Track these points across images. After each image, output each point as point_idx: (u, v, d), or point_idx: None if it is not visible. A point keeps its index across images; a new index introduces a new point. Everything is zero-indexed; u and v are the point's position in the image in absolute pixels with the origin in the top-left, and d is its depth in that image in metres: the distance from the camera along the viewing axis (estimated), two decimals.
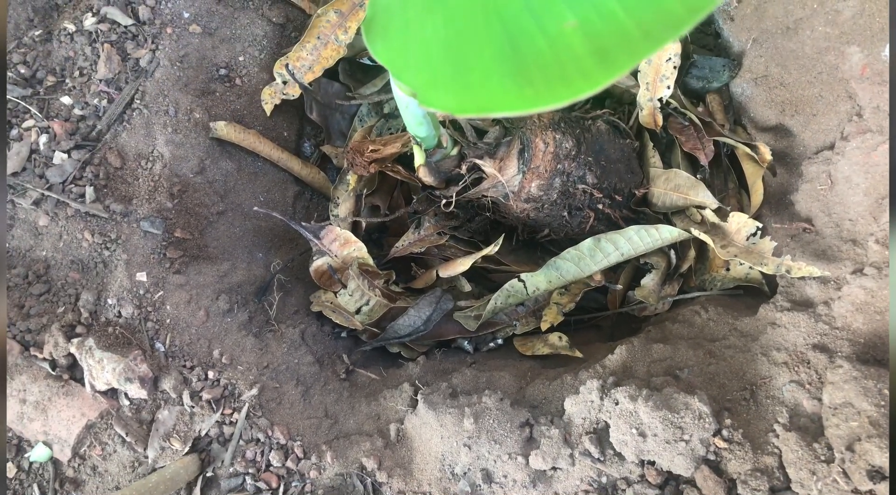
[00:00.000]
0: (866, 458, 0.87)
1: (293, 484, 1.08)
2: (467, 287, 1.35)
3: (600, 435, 1.01)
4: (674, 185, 1.30)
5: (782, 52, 1.27)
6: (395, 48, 0.58)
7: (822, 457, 0.92)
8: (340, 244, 1.25)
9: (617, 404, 1.00)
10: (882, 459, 0.86)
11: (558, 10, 0.45)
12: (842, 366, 0.96)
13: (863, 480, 0.87)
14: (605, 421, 1.01)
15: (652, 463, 0.99)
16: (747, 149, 1.27)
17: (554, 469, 1.01)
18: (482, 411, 1.05)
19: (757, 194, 1.27)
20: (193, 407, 1.09)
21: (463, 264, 1.29)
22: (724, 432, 0.98)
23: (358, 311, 1.29)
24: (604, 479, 1.00)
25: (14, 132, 1.17)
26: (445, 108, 0.50)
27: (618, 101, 1.43)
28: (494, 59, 0.47)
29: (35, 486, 1.08)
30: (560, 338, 1.25)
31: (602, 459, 0.99)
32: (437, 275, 1.33)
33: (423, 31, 0.54)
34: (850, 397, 0.93)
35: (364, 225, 1.33)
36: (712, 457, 0.97)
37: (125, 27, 1.25)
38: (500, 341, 1.33)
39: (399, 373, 1.24)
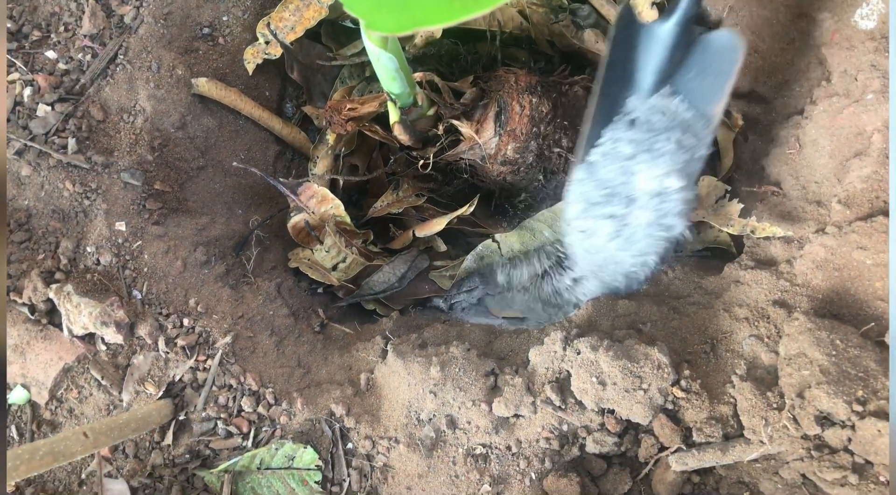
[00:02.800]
0: (815, 404, 0.90)
1: (263, 428, 1.10)
2: (443, 247, 1.37)
3: (562, 383, 1.03)
4: None
5: (757, 20, 1.29)
6: None
7: (774, 405, 0.94)
8: (318, 201, 1.28)
9: (579, 353, 1.02)
10: (829, 404, 0.88)
11: None
12: (798, 319, 0.98)
13: (811, 425, 0.90)
14: (567, 371, 1.03)
15: (612, 412, 1.01)
16: None
17: (516, 416, 1.04)
18: (449, 360, 1.08)
19: (727, 158, 1.29)
20: (168, 353, 1.12)
21: (438, 224, 1.31)
22: (683, 382, 1.00)
23: (334, 268, 1.32)
24: (564, 427, 1.02)
25: None
26: (388, 28, 0.53)
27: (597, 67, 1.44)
28: None
29: (13, 427, 1.11)
30: None
31: (563, 407, 1.02)
32: (414, 235, 1.35)
33: None
34: (803, 347, 0.95)
35: (342, 183, 1.35)
36: (670, 406, 0.99)
37: None
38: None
39: (373, 328, 1.26)
